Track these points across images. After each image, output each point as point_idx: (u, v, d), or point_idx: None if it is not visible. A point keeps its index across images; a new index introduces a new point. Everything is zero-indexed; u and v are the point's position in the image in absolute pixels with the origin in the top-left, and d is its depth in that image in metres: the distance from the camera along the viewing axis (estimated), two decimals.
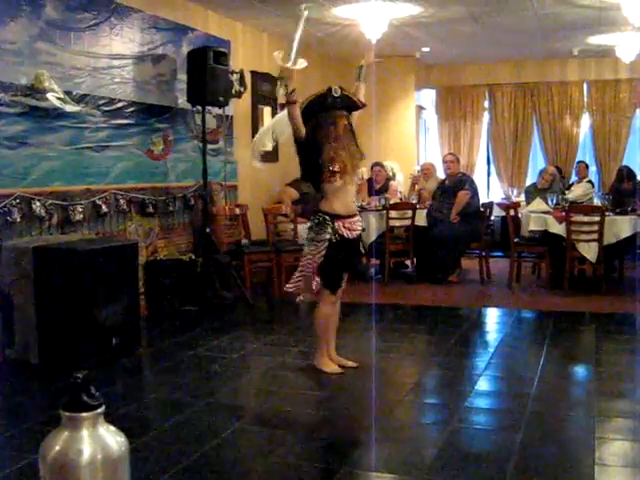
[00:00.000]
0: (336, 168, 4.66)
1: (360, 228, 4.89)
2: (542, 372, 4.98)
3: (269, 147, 5.95)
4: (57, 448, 1.82)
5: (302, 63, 4.68)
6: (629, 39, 9.24)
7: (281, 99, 4.61)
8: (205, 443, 3.71)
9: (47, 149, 5.77)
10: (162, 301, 6.91)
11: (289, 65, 4.63)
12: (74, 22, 6.03)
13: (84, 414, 1.83)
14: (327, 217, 4.70)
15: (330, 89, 4.71)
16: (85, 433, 1.83)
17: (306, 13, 4.68)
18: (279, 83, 4.64)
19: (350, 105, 4.84)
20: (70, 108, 5.95)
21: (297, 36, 4.66)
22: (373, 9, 7.74)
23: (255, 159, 6.23)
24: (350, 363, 5.06)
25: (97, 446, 1.83)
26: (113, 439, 1.88)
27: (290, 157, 5.03)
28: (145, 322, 6.41)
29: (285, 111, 4.99)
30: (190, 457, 3.53)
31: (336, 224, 4.70)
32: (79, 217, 6.05)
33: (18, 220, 5.46)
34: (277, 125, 5.71)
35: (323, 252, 4.68)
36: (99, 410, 1.86)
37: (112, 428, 1.90)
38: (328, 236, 4.67)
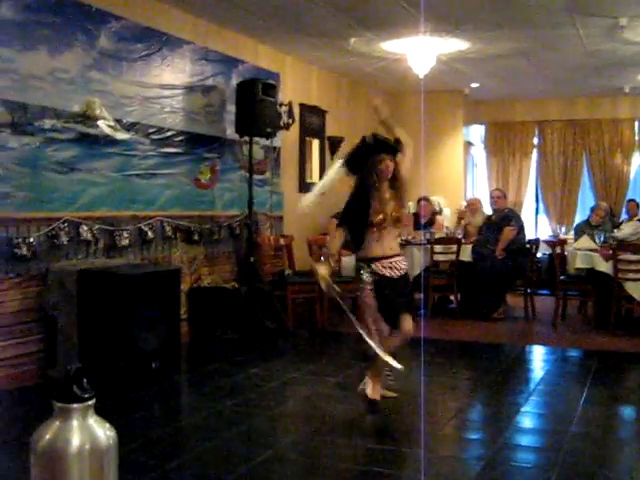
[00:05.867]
0: (377, 220, 4.59)
1: (405, 266, 4.75)
2: (583, 411, 4.87)
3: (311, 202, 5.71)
4: (47, 437, 1.88)
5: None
6: None
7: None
8: (236, 470, 3.71)
9: (96, 175, 5.91)
10: (204, 328, 6.96)
11: None
12: (126, 52, 6.21)
13: (75, 405, 1.89)
14: (362, 263, 4.63)
15: (364, 139, 4.64)
16: (75, 424, 1.88)
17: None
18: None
19: (389, 147, 4.64)
20: (120, 135, 6.10)
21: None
22: (421, 44, 7.79)
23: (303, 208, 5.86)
24: (390, 393, 5.00)
25: (86, 437, 1.88)
26: (102, 431, 1.93)
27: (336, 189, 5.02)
28: (186, 348, 6.46)
29: (332, 171, 5.00)
30: None
31: (373, 265, 4.60)
32: (125, 242, 6.16)
33: (65, 243, 5.59)
34: (326, 186, 5.45)
35: (368, 293, 4.59)
36: (90, 402, 1.91)
37: (102, 421, 1.95)
38: (369, 278, 4.58)
